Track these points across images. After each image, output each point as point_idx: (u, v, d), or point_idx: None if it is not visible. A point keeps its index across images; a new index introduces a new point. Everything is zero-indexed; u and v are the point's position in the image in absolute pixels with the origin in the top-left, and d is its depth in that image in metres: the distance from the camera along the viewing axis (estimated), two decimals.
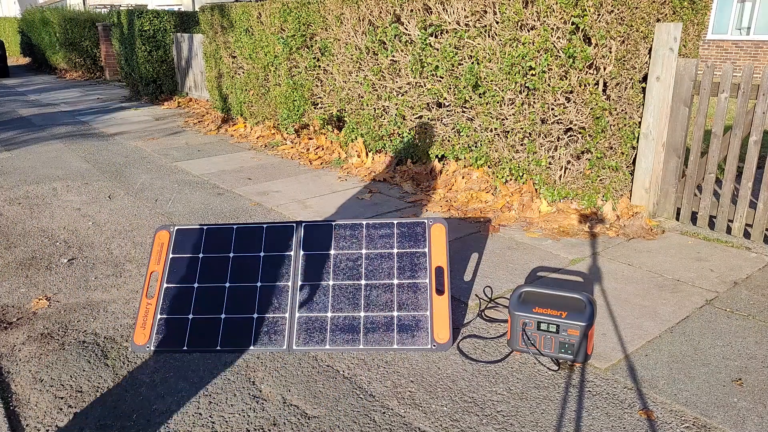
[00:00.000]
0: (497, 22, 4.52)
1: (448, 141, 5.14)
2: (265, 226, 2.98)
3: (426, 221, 2.90)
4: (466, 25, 4.74)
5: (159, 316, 2.71)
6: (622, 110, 4.05)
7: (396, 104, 5.50)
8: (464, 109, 4.95)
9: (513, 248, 3.76)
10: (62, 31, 15.99)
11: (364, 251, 2.85)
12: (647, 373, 2.41)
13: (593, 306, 2.46)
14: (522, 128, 4.53)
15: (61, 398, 2.32)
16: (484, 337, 2.71)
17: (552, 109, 4.35)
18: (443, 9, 4.85)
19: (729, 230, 3.94)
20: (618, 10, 3.88)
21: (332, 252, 2.87)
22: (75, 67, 16.56)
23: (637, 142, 4.09)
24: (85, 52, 16.16)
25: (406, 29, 5.22)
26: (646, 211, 4.14)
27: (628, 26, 3.88)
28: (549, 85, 4.27)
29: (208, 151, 6.79)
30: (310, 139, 6.76)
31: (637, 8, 3.83)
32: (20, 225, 4.30)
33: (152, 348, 2.62)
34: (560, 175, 4.45)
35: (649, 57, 3.94)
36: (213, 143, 7.26)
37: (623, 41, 3.94)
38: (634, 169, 4.16)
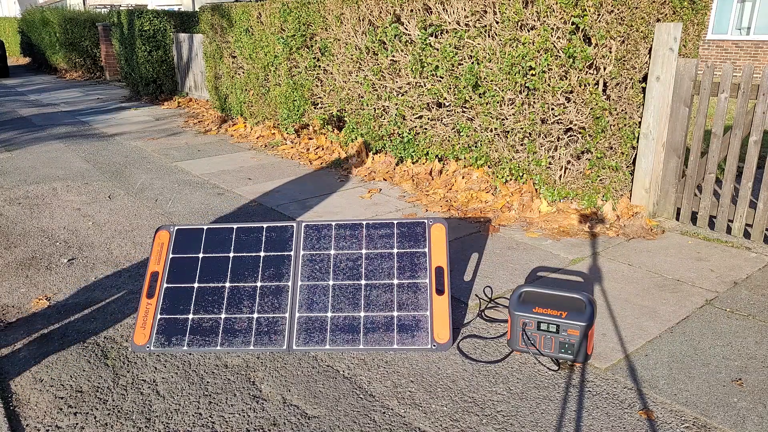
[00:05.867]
0: (497, 22, 4.52)
1: (448, 141, 5.14)
2: (264, 226, 2.98)
3: (426, 221, 2.90)
4: (466, 25, 4.74)
5: (159, 316, 2.71)
6: (622, 110, 4.05)
7: (396, 104, 5.50)
8: (464, 109, 4.95)
9: (513, 248, 3.76)
10: (62, 31, 15.99)
11: (364, 251, 2.85)
12: (647, 373, 2.41)
13: (593, 306, 2.46)
14: (522, 128, 4.53)
15: (61, 398, 2.32)
16: (484, 337, 2.71)
17: (552, 109, 4.35)
18: (443, 9, 4.85)
19: (729, 230, 3.94)
20: (618, 10, 3.88)
21: (332, 252, 2.87)
22: (75, 67, 16.55)
23: (637, 142, 4.09)
24: (85, 52, 16.15)
25: (406, 29, 5.22)
26: (646, 211, 4.14)
27: (628, 26, 3.88)
28: (549, 85, 4.27)
29: (208, 151, 6.79)
30: (310, 139, 6.76)
31: (637, 8, 3.83)
32: (20, 225, 4.30)
33: (152, 348, 2.62)
34: (560, 175, 4.45)
35: (649, 57, 3.94)
36: (213, 143, 7.26)
37: (623, 41, 3.94)
38: (634, 169, 4.16)
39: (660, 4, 3.87)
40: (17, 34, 22.78)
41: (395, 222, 2.92)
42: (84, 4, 27.30)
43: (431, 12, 5.00)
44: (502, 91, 4.57)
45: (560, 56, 4.17)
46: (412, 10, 5.11)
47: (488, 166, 4.89)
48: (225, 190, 5.19)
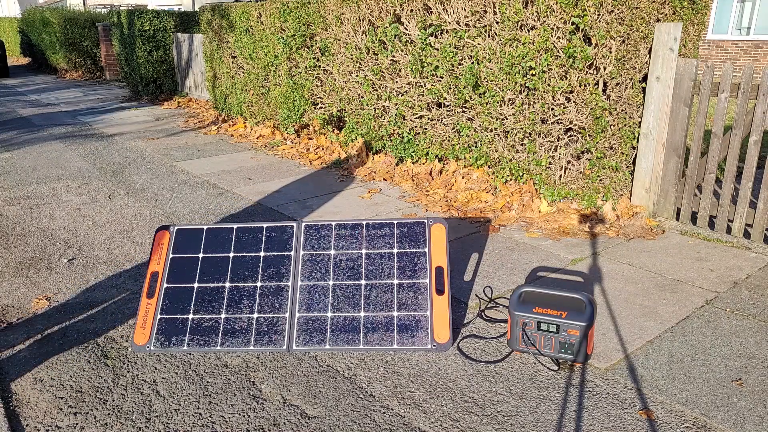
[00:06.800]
0: (497, 22, 4.52)
1: (448, 141, 5.14)
2: (264, 226, 2.98)
3: (426, 221, 2.90)
4: (466, 25, 4.74)
5: (159, 316, 2.71)
6: (622, 110, 4.05)
7: (396, 104, 5.50)
8: (464, 109, 4.95)
9: (513, 248, 3.76)
10: (62, 31, 15.99)
11: (364, 251, 2.85)
12: (647, 373, 2.41)
13: (593, 306, 2.46)
14: (522, 128, 4.53)
15: (61, 398, 2.32)
16: (484, 337, 2.71)
17: (552, 109, 4.35)
18: (443, 9, 4.85)
19: (729, 230, 3.94)
20: (618, 10, 3.88)
21: (332, 252, 2.87)
22: (75, 67, 16.56)
23: (637, 142, 4.09)
24: (85, 52, 16.15)
25: (406, 29, 5.22)
26: (646, 211, 4.14)
27: (628, 26, 3.88)
28: (549, 85, 4.27)
29: (208, 151, 6.79)
30: (310, 139, 6.76)
31: (637, 8, 3.83)
32: (20, 225, 4.30)
33: (152, 348, 2.62)
34: (560, 175, 4.45)
35: (649, 57, 3.94)
36: (213, 143, 7.26)
37: (623, 41, 3.94)
38: (634, 169, 4.16)
39: (660, 4, 3.87)
40: (17, 34, 22.78)
41: (395, 222, 2.92)
42: (84, 4, 27.30)
43: (431, 12, 5.00)
44: (502, 91, 4.57)
45: (560, 56, 4.17)
46: (412, 10, 5.11)
47: (488, 166, 4.89)
48: (225, 190, 5.19)
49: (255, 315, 2.70)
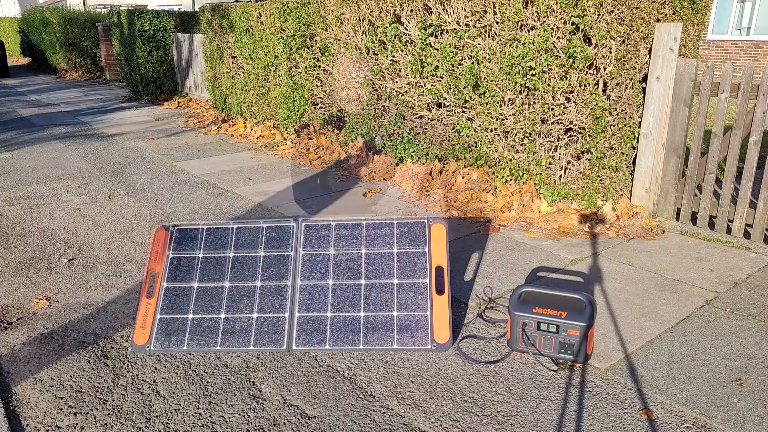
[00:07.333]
0: (497, 22, 4.52)
1: (448, 141, 5.14)
2: (264, 225, 2.97)
3: (426, 221, 2.90)
4: (466, 25, 4.74)
5: (159, 316, 2.71)
6: (622, 110, 4.05)
7: (396, 104, 5.50)
8: (464, 109, 4.95)
9: (513, 248, 3.76)
10: (62, 31, 15.99)
11: (363, 251, 2.85)
12: (647, 373, 2.41)
13: (593, 306, 2.46)
14: (522, 128, 4.53)
15: (61, 398, 2.31)
16: (484, 338, 2.71)
17: (552, 109, 4.35)
18: (443, 9, 4.85)
19: (729, 230, 3.94)
20: (618, 10, 3.88)
21: (332, 251, 2.87)
22: (75, 67, 16.56)
23: (637, 142, 4.09)
24: (85, 52, 16.15)
25: (406, 29, 5.22)
26: (646, 211, 4.14)
27: (628, 26, 3.88)
28: (549, 85, 4.27)
29: (208, 151, 6.79)
30: (310, 139, 6.76)
31: (637, 8, 3.83)
32: (20, 225, 4.30)
33: (152, 348, 2.62)
34: (560, 175, 4.45)
35: (649, 57, 3.94)
36: (213, 143, 7.26)
37: (623, 41, 3.94)
38: (634, 169, 4.16)
39: (660, 4, 3.87)
40: (17, 34, 22.79)
41: (395, 222, 2.92)
42: (84, 4, 27.30)
43: (431, 12, 5.00)
44: (502, 91, 4.57)
45: (560, 56, 4.17)
46: (412, 10, 5.11)
47: (488, 166, 4.89)
48: (225, 190, 5.19)
49: (255, 315, 2.70)
